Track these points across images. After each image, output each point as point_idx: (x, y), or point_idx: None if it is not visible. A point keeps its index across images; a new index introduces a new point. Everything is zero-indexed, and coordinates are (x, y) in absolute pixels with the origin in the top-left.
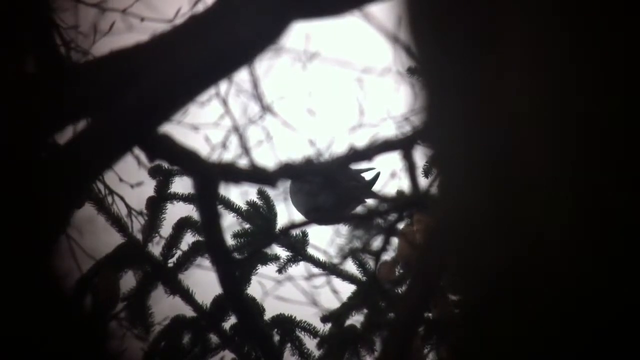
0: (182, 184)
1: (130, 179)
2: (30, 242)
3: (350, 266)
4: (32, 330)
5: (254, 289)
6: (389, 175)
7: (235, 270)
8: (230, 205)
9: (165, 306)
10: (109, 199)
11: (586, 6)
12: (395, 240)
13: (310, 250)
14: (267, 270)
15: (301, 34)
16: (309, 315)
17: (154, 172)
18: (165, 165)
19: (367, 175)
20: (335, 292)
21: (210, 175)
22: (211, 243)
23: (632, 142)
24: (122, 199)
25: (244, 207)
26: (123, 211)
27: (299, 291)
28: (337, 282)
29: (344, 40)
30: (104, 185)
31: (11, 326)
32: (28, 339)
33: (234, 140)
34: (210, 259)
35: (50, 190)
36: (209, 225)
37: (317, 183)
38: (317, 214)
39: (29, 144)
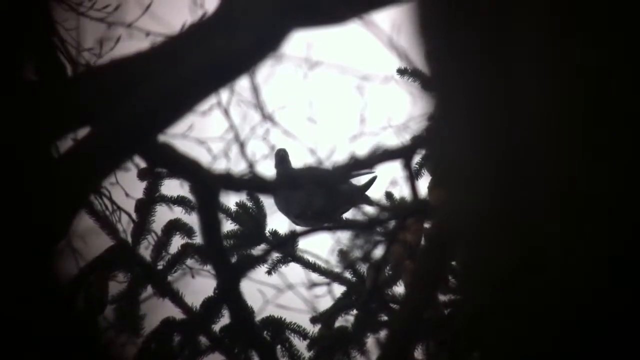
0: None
1: (136, 194)
2: (30, 248)
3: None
4: (30, 331)
5: (254, 297)
6: (390, 184)
7: (234, 279)
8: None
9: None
10: (116, 215)
11: (596, 7)
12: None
13: (303, 255)
14: (268, 279)
15: (302, 42)
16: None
17: (142, 175)
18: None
19: (363, 179)
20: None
21: (210, 184)
22: (211, 252)
23: None
24: (128, 215)
25: (233, 208)
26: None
27: (300, 299)
28: (336, 289)
29: (345, 49)
30: (110, 202)
31: (9, 327)
32: (26, 339)
33: (235, 149)
34: (210, 267)
35: (50, 198)
36: (209, 234)
37: (310, 187)
38: (308, 218)
39: (31, 151)
